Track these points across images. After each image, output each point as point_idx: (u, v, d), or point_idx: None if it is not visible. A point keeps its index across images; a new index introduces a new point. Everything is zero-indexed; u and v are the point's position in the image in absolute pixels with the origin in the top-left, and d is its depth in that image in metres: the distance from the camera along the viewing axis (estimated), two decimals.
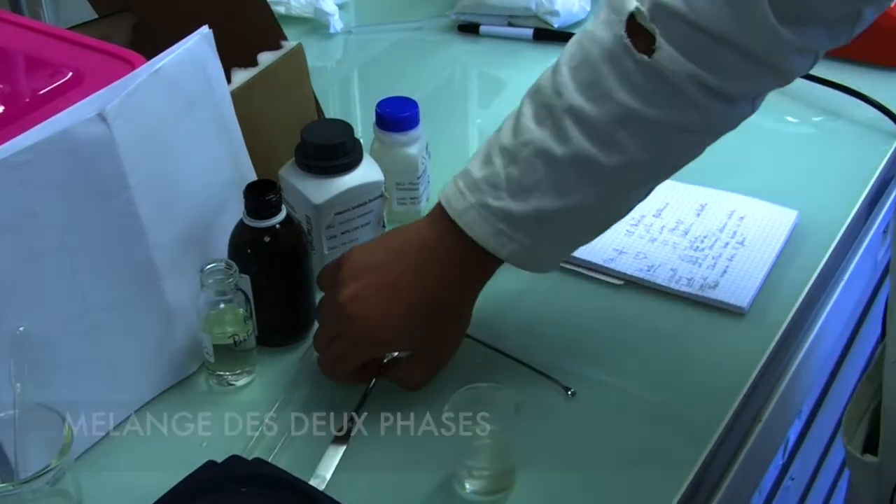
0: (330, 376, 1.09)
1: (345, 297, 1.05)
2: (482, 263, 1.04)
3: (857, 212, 1.35)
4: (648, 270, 1.24)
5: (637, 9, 0.93)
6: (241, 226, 1.11)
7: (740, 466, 1.12)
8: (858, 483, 1.10)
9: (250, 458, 0.95)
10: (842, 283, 1.33)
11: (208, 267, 1.07)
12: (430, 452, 1.04)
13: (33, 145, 0.94)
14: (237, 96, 1.14)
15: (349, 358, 1.08)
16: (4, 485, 0.92)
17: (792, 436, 1.46)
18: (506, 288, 1.11)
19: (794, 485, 1.60)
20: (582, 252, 1.25)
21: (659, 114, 0.95)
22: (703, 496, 1.07)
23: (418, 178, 1.30)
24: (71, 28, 1.27)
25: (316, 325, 1.17)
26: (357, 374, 1.09)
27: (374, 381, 1.10)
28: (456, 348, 1.09)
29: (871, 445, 1.08)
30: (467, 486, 1.01)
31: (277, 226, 1.10)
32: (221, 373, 1.11)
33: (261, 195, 1.09)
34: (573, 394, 1.10)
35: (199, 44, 1.07)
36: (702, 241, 1.28)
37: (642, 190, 1.03)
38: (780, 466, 1.45)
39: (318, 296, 1.18)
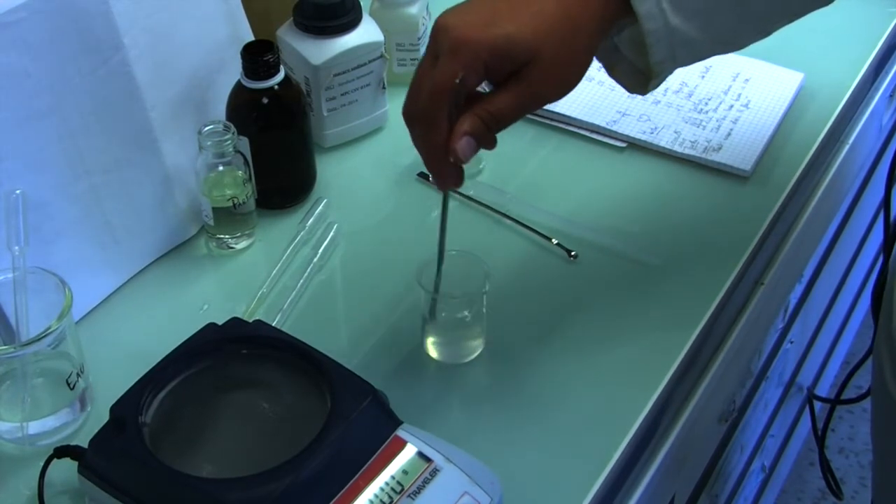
0: (412, 114, 0.87)
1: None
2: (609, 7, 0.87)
3: (864, 75, 1.33)
4: (652, 133, 1.23)
5: None
6: (238, 87, 1.09)
7: (741, 330, 1.13)
8: None
9: (251, 321, 0.95)
10: (846, 147, 1.32)
11: (206, 129, 1.05)
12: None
13: (25, 3, 0.92)
14: None
15: (444, 72, 0.83)
16: (6, 347, 0.92)
17: (793, 300, 1.46)
18: (508, 151, 1.10)
19: (793, 348, 1.61)
20: (584, 114, 1.24)
21: None
22: (703, 360, 1.07)
23: (419, 38, 1.28)
24: None
25: (316, 188, 1.17)
26: (440, 115, 0.85)
27: None
28: (563, 92, 0.88)
29: None
30: (437, 349, 1.01)
31: (276, 87, 1.09)
32: (221, 236, 1.11)
33: (258, 55, 1.07)
34: (575, 256, 1.10)
35: None
36: (706, 104, 1.26)
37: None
38: (780, 330, 1.46)
39: (318, 158, 1.18)
